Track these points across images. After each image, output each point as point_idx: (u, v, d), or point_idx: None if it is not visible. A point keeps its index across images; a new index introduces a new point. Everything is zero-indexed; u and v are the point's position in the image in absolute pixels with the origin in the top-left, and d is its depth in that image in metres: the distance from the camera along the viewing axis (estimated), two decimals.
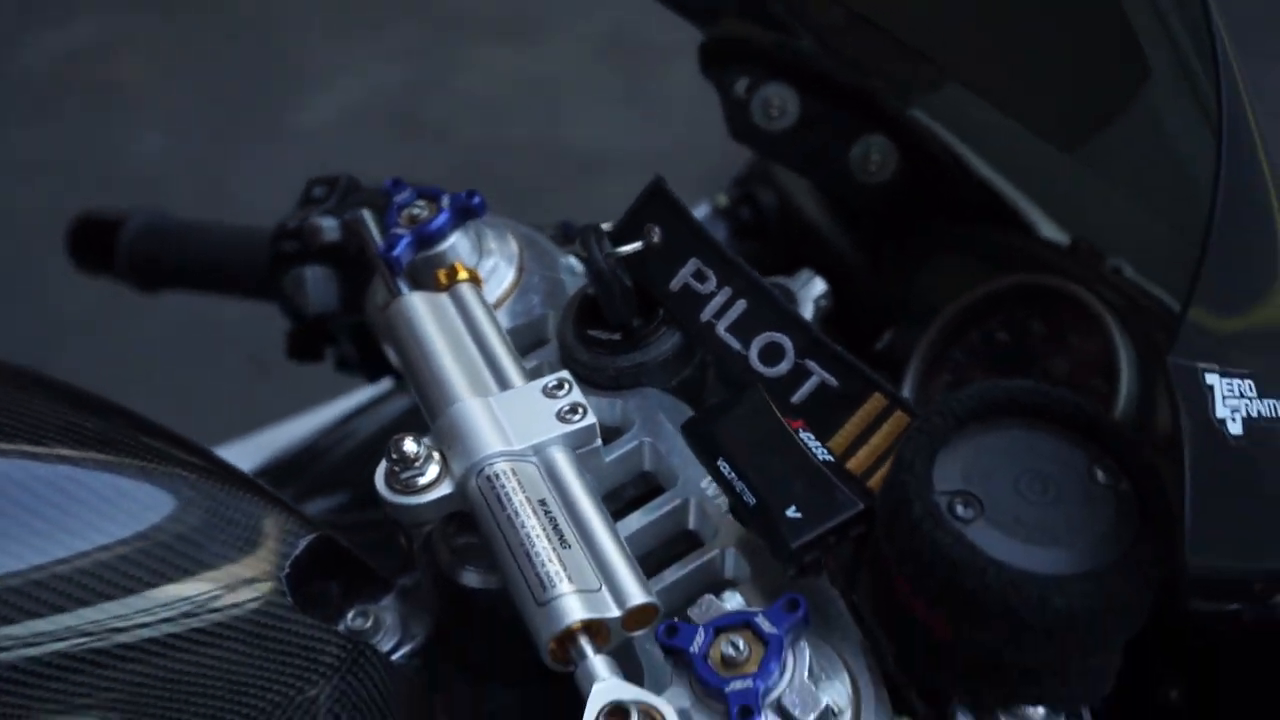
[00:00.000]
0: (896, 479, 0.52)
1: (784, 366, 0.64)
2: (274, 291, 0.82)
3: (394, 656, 0.64)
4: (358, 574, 0.66)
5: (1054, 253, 0.80)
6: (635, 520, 0.62)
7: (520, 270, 0.72)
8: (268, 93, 2.71)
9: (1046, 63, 0.75)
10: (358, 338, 0.80)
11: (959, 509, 0.52)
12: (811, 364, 0.64)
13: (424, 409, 0.63)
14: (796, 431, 0.58)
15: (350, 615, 0.65)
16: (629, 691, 0.52)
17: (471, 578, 0.62)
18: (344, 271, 0.79)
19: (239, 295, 0.90)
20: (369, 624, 0.64)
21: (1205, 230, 0.51)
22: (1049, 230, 0.84)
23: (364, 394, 1.00)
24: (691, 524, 0.63)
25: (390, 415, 0.96)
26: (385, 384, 0.98)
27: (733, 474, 0.57)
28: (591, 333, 0.66)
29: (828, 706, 0.53)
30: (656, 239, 0.66)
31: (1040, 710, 0.54)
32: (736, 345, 0.65)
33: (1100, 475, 0.53)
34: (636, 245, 0.66)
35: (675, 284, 0.66)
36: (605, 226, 0.67)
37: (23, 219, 2.44)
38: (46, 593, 0.54)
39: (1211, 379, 0.52)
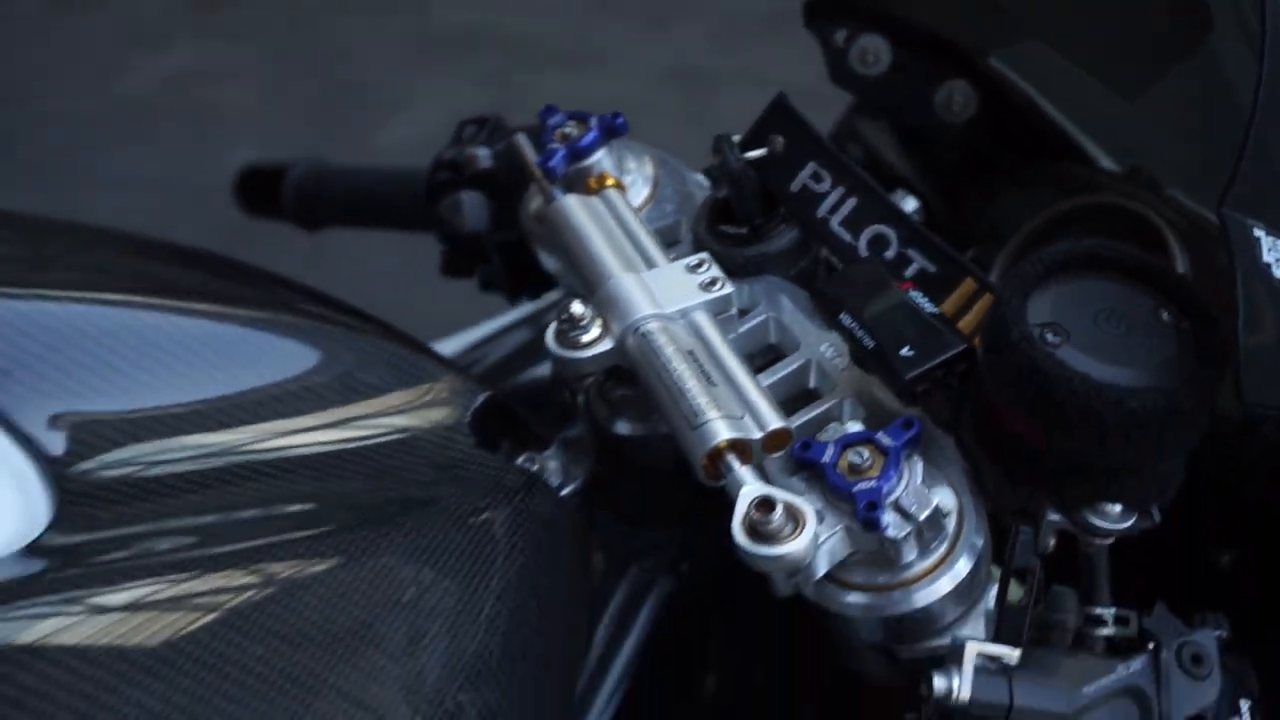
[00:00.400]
0: (997, 313, 0.63)
1: (889, 254, 0.74)
2: (427, 221, 0.93)
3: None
4: (524, 431, 0.76)
5: (1115, 179, 0.90)
6: (763, 379, 0.71)
7: (655, 185, 0.83)
8: (355, 116, 2.86)
9: (1114, 13, 0.84)
10: (505, 256, 0.91)
11: (1049, 336, 0.61)
12: (913, 252, 0.74)
13: (584, 288, 0.73)
14: (906, 292, 0.69)
15: (520, 460, 0.75)
16: (773, 490, 0.62)
17: (624, 426, 0.73)
18: (495, 197, 0.90)
19: (395, 228, 1.01)
20: (536, 467, 0.75)
21: (1254, 98, 0.61)
22: (1110, 165, 0.94)
23: (493, 324, 1.11)
24: (812, 383, 0.72)
25: (516, 343, 1.07)
26: (511, 315, 1.09)
27: (853, 324, 0.68)
28: (722, 228, 0.77)
29: (938, 506, 0.64)
30: (779, 147, 0.77)
31: (1118, 507, 0.63)
32: (848, 238, 0.75)
33: (1165, 316, 0.63)
34: (762, 151, 0.76)
35: (795, 185, 0.77)
36: (734, 137, 0.77)
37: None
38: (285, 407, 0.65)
39: (1258, 232, 0.62)
